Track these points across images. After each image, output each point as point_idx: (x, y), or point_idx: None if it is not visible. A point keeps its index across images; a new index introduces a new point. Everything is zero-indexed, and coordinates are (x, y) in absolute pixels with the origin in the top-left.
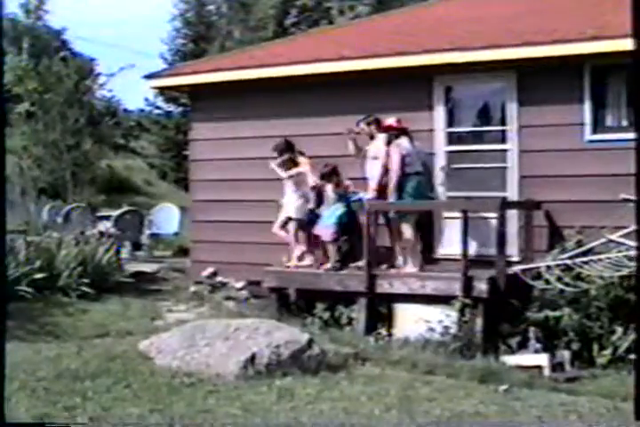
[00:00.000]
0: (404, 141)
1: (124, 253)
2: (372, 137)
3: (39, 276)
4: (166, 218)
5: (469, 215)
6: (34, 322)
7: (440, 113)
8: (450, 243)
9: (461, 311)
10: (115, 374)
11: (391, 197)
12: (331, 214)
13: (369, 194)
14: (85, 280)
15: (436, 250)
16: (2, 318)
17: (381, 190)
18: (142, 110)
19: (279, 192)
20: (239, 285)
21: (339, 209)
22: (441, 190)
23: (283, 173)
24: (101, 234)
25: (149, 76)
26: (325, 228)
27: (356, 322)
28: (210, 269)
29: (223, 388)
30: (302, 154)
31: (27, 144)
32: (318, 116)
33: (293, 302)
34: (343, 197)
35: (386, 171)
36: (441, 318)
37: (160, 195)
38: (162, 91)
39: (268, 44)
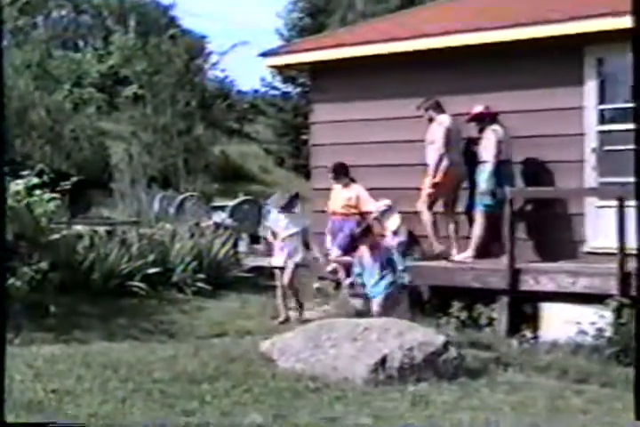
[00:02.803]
0: (497, 128)
1: (242, 247)
2: (430, 120)
3: (152, 271)
4: None
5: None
6: (148, 320)
7: (591, 88)
8: (598, 235)
9: (618, 312)
10: (234, 376)
11: (486, 184)
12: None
13: (426, 189)
14: (201, 276)
15: (580, 243)
16: (2, 318)
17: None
18: (257, 91)
19: (409, 178)
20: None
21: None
22: (593, 176)
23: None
24: (217, 226)
25: (265, 54)
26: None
27: (496, 323)
28: (334, 264)
29: (351, 393)
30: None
31: (135, 129)
32: (452, 94)
33: (426, 301)
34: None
35: (440, 158)
36: (594, 320)
37: (277, 183)
38: (279, 70)
39: (393, 15)
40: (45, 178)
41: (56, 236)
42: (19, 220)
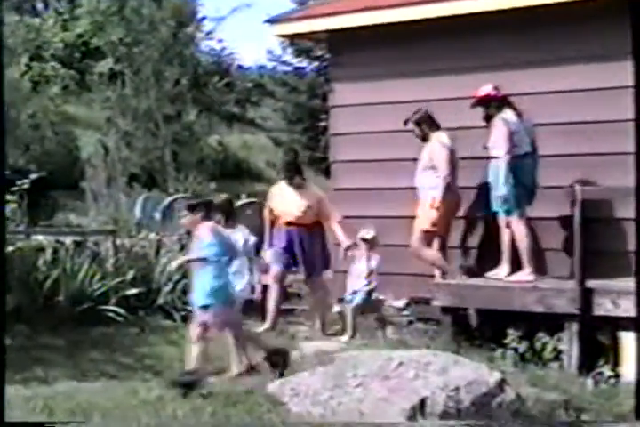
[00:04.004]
0: (509, 115)
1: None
2: (424, 138)
3: (132, 291)
4: None
5: None
6: (127, 353)
7: None
8: None
9: None
10: (236, 424)
11: (501, 187)
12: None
13: (422, 223)
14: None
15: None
16: (2, 317)
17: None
18: (263, 67)
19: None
20: (400, 303)
21: None
22: None
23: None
24: None
25: (273, 21)
26: None
27: (565, 356)
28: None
29: None
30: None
31: (111, 115)
32: (509, 68)
33: (476, 328)
34: None
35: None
36: None
37: None
38: (290, 40)
39: None
40: None
41: (10, 248)
42: None
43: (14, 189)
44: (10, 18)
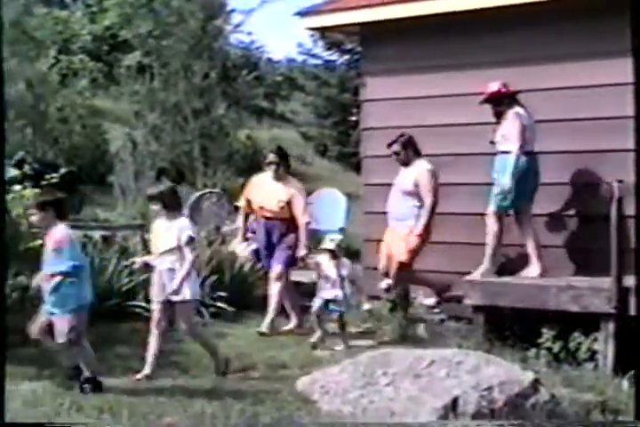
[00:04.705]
0: (522, 111)
1: None
2: (405, 163)
3: None
4: (328, 209)
5: None
6: None
7: None
8: None
9: None
10: (264, 422)
11: (505, 181)
12: None
13: (401, 255)
14: (221, 294)
15: None
16: (1, 317)
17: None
18: (293, 61)
19: (485, 171)
20: (431, 301)
21: None
22: None
23: None
24: None
25: (304, 13)
26: None
27: (601, 357)
28: (389, 280)
29: None
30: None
31: (139, 109)
32: (547, 61)
33: (509, 327)
34: None
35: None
36: None
37: (319, 177)
38: (321, 32)
39: None
40: (27, 169)
41: (38, 242)
42: None
43: (43, 183)
44: (38, 10)
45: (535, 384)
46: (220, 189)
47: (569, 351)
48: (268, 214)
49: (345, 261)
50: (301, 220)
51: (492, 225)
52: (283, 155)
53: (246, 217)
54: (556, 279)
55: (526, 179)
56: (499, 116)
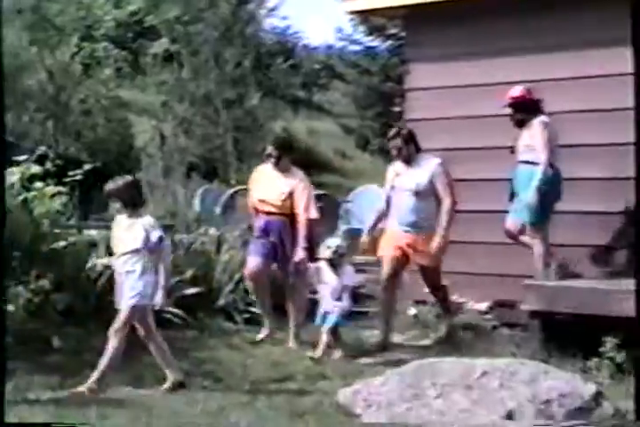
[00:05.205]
0: (547, 119)
1: None
2: (407, 160)
3: (191, 291)
4: (371, 206)
5: None
6: (185, 358)
7: None
8: None
9: None
10: None
11: (531, 195)
12: None
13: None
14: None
15: None
16: (1, 316)
17: None
18: (332, 47)
19: None
20: (482, 306)
21: None
22: None
23: None
24: None
25: None
26: None
27: None
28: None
29: None
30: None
31: (167, 99)
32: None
33: (568, 334)
34: None
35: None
36: None
37: (359, 172)
38: (362, 16)
39: None
40: (48, 165)
41: (62, 244)
42: (12, 222)
43: (66, 180)
44: None
45: (597, 397)
46: None
47: (635, 361)
48: (269, 209)
49: (348, 268)
50: (302, 215)
51: (526, 240)
52: (284, 147)
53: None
54: (620, 282)
55: (552, 192)
56: (520, 123)
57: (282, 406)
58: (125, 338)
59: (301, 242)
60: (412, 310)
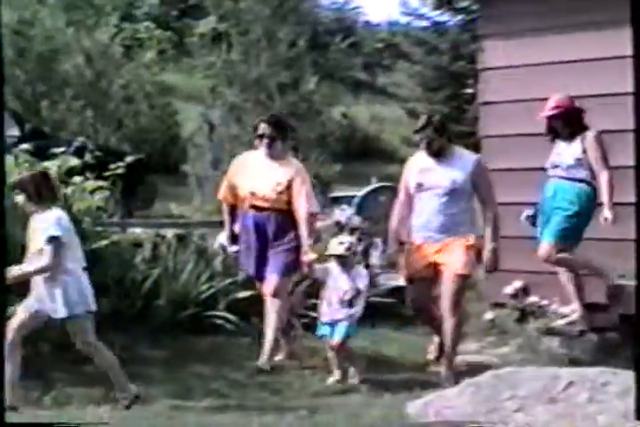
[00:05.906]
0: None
1: (375, 258)
2: (437, 154)
3: (244, 294)
4: None
5: None
6: (239, 367)
7: None
8: None
9: None
10: None
11: (577, 215)
12: None
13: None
14: (314, 301)
15: None
16: (1, 315)
17: None
18: (395, 24)
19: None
20: (568, 309)
21: None
22: None
23: None
24: (339, 226)
25: None
26: None
27: None
28: (517, 284)
29: None
30: None
31: (215, 84)
32: None
33: None
34: None
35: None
36: None
37: None
38: None
39: None
40: (88, 158)
41: (104, 243)
42: None
43: (107, 173)
44: None
45: None
46: (312, 177)
47: None
48: (261, 203)
49: (361, 270)
50: (302, 210)
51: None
52: (279, 126)
53: (232, 211)
54: None
55: (592, 211)
56: (560, 134)
57: (345, 420)
58: None
59: (307, 240)
60: (489, 314)
